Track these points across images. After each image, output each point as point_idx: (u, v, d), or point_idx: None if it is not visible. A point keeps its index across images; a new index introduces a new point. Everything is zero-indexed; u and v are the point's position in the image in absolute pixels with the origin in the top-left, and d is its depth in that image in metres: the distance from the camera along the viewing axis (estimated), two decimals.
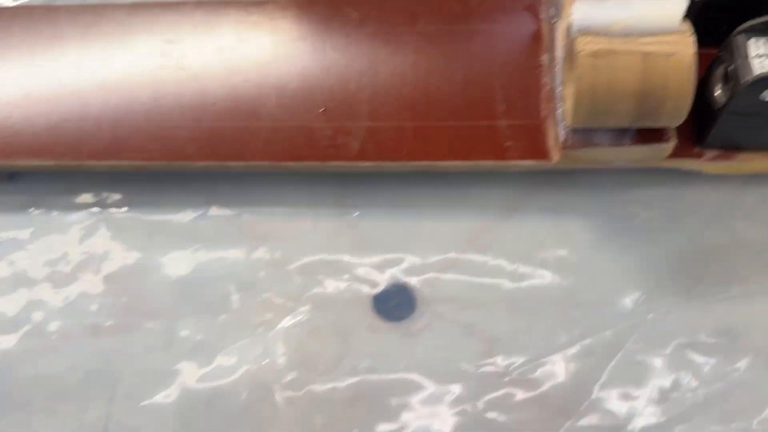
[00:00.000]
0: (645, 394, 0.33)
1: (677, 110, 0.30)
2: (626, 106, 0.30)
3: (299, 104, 0.36)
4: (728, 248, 0.35)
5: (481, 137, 0.35)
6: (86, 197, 0.37)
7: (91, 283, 0.36)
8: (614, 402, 0.33)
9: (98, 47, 0.38)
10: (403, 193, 0.37)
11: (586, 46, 0.29)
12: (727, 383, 0.33)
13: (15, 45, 0.39)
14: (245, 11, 0.38)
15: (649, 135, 0.32)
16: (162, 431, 0.33)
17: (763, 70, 0.30)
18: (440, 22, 0.37)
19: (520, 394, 0.33)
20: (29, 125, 0.37)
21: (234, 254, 0.36)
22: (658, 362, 0.33)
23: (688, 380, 0.33)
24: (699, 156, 0.34)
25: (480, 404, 0.33)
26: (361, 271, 0.35)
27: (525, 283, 0.35)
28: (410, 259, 0.36)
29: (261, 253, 0.36)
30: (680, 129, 0.33)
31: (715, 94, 0.32)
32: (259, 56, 0.37)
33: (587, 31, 0.30)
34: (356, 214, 0.37)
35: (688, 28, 0.29)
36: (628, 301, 0.34)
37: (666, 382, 0.33)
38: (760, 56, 0.30)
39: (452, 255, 0.35)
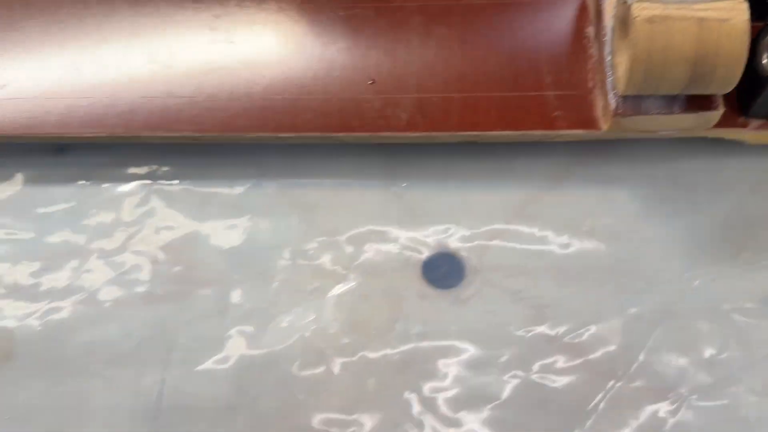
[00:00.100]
0: (692, 358, 0.33)
1: (729, 77, 0.31)
2: (680, 72, 0.31)
3: (348, 77, 0.37)
4: None
5: (530, 107, 0.35)
6: (136, 169, 0.38)
7: (143, 253, 0.37)
8: (662, 366, 0.33)
9: (149, 20, 0.39)
10: (449, 165, 0.37)
11: (642, 12, 0.30)
12: None
13: (64, 18, 0.39)
14: None
15: (698, 103, 0.33)
16: (217, 396, 0.34)
17: None
18: None
19: (569, 359, 0.34)
20: (82, 97, 0.37)
21: (284, 224, 0.37)
22: (704, 327, 0.34)
23: (734, 345, 0.34)
24: (743, 126, 0.35)
25: (530, 368, 0.34)
26: (409, 241, 0.36)
27: (572, 251, 0.35)
28: (458, 229, 0.36)
29: (311, 223, 0.37)
30: (726, 98, 0.33)
31: (763, 62, 0.33)
32: (307, 30, 0.38)
33: None
34: (403, 185, 0.37)
35: None
36: (673, 268, 0.35)
37: (713, 346, 0.34)
38: None
39: (499, 224, 0.36)
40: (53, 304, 0.36)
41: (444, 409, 0.33)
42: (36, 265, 0.36)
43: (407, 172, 0.37)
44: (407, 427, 0.33)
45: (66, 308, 0.36)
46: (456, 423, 0.33)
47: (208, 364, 0.34)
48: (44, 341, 0.35)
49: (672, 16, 0.30)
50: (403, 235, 0.36)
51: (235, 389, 0.34)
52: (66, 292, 0.36)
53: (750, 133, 0.35)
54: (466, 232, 0.36)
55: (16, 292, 0.36)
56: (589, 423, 0.32)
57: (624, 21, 0.31)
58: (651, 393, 0.33)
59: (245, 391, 0.34)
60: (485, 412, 0.33)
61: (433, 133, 0.36)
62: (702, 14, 0.30)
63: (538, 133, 0.35)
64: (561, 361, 0.34)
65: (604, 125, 0.34)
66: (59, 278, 0.36)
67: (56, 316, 0.36)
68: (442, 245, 0.36)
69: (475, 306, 0.35)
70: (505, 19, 0.37)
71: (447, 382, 0.33)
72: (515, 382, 0.33)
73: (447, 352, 0.34)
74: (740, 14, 0.29)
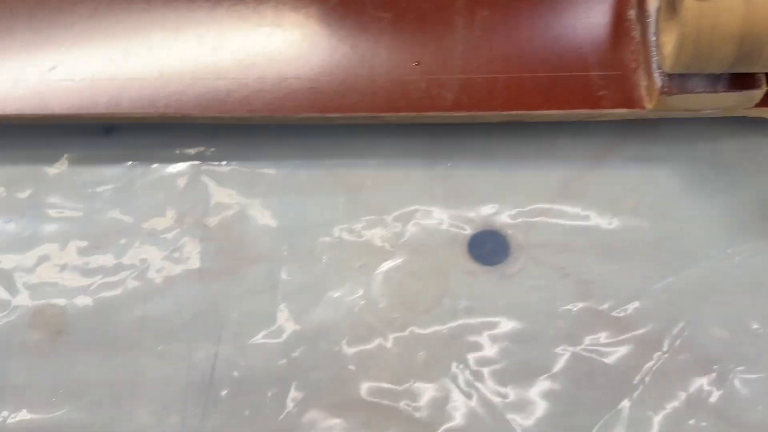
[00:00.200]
0: (736, 331, 0.34)
1: None
2: (727, 51, 0.31)
3: (394, 58, 0.38)
4: None
5: (574, 87, 0.36)
6: (185, 150, 0.39)
7: (193, 232, 0.37)
8: (706, 339, 0.34)
9: (197, 4, 0.39)
10: (492, 145, 0.38)
11: None
12: None
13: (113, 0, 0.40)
14: None
15: (741, 82, 0.34)
16: (269, 369, 0.34)
17: None
18: None
19: (615, 333, 0.34)
20: (132, 78, 0.38)
21: (331, 203, 0.37)
22: (747, 301, 0.35)
23: None
24: None
25: (577, 342, 0.34)
26: (454, 219, 0.37)
27: (616, 228, 0.36)
28: (502, 208, 0.37)
29: (357, 202, 0.37)
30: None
31: None
32: (352, 12, 0.39)
33: None
34: (448, 165, 0.38)
35: None
36: (715, 244, 0.36)
37: (756, 319, 0.34)
38: None
39: (543, 203, 0.37)
40: (105, 281, 0.36)
41: (492, 381, 0.34)
42: (86, 243, 0.37)
43: (451, 151, 0.38)
44: (456, 397, 0.33)
45: (117, 285, 0.36)
46: (504, 394, 0.33)
47: (260, 339, 0.35)
48: (96, 317, 0.36)
49: None
50: (449, 213, 0.37)
51: (286, 362, 0.34)
52: (117, 269, 0.37)
53: None
54: (511, 210, 0.37)
55: (66, 269, 0.37)
56: (636, 395, 0.33)
57: (672, 1, 0.32)
58: (697, 365, 0.34)
59: (297, 364, 0.34)
60: (534, 385, 0.33)
61: (478, 113, 0.36)
62: None
63: (582, 113, 0.36)
64: (607, 335, 0.34)
65: (649, 104, 0.35)
66: (110, 256, 0.37)
67: (108, 293, 0.36)
68: (487, 223, 0.37)
69: (521, 282, 0.35)
70: (547, 1, 0.38)
71: (495, 356, 0.34)
72: (563, 355, 0.34)
73: (494, 326, 0.35)
74: None
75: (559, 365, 0.34)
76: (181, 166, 0.38)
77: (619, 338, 0.34)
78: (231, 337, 0.35)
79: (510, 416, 0.33)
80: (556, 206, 0.36)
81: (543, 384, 0.33)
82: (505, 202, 0.37)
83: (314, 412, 0.34)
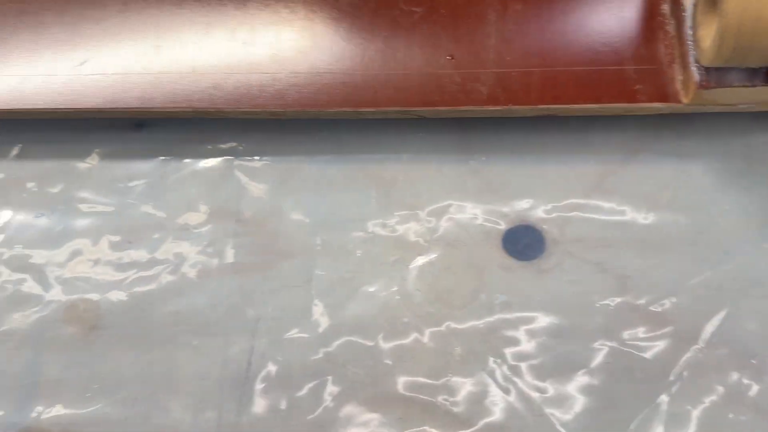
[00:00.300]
0: None
1: None
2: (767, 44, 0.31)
3: (427, 53, 0.37)
4: None
5: (609, 81, 0.36)
6: (217, 145, 0.39)
7: (226, 227, 0.37)
8: (743, 332, 0.34)
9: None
10: (524, 139, 0.38)
11: None
12: None
13: None
14: None
15: None
16: (305, 363, 0.34)
17: None
18: None
19: (653, 327, 0.34)
20: (164, 73, 0.38)
21: (364, 198, 0.37)
22: None
23: None
24: None
25: (615, 337, 0.34)
26: (488, 214, 0.37)
27: (652, 223, 0.36)
28: (537, 203, 0.37)
29: (390, 197, 0.37)
30: None
31: None
32: (385, 7, 0.39)
33: None
34: (480, 159, 0.38)
35: None
36: (751, 238, 0.35)
37: None
38: None
39: (578, 197, 0.37)
40: (138, 276, 0.36)
41: (530, 376, 0.33)
42: (120, 238, 0.37)
43: (483, 146, 0.38)
44: (494, 392, 0.33)
45: (152, 279, 0.36)
46: (543, 389, 0.33)
47: (296, 333, 0.35)
48: (130, 312, 0.36)
49: None
50: (482, 208, 0.37)
51: (322, 357, 0.34)
52: (151, 263, 0.36)
53: None
54: (546, 205, 0.36)
55: (100, 264, 0.37)
56: (675, 389, 0.33)
57: None
58: (734, 359, 0.33)
59: (333, 358, 0.34)
60: (572, 380, 0.33)
61: (514, 107, 0.36)
62: None
63: (618, 107, 0.36)
64: (645, 330, 0.34)
65: (685, 99, 0.35)
66: (143, 250, 0.37)
67: (142, 288, 0.36)
68: (522, 218, 0.36)
69: (557, 277, 0.35)
70: None
71: (533, 351, 0.34)
72: (601, 350, 0.34)
73: (531, 321, 0.34)
74: None
75: (597, 360, 0.34)
76: (213, 162, 0.38)
77: (656, 333, 0.34)
78: (266, 331, 0.35)
79: (549, 411, 0.33)
80: (591, 201, 0.36)
81: (581, 379, 0.33)
82: (540, 197, 0.37)
83: (351, 407, 0.34)
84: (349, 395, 0.34)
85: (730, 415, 0.33)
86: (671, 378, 0.33)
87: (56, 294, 0.36)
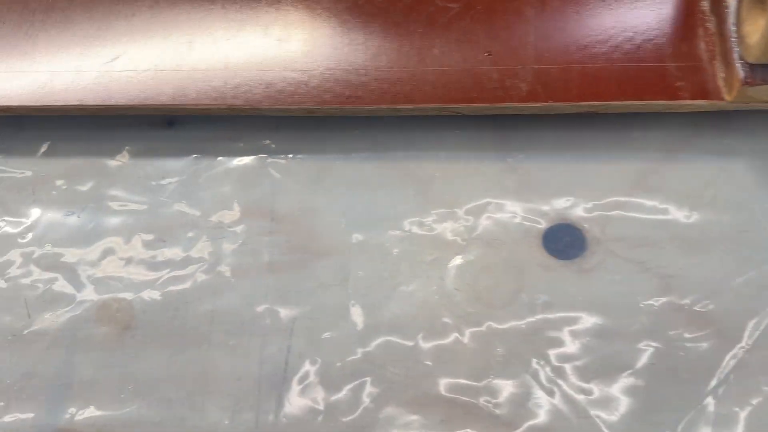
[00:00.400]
0: None
1: None
2: None
3: (464, 48, 0.37)
4: None
5: (650, 78, 0.35)
6: (250, 143, 0.38)
7: (260, 225, 0.36)
8: None
9: None
10: (562, 136, 0.37)
11: None
12: None
13: None
14: None
15: None
16: (344, 365, 0.34)
17: None
18: None
19: (698, 328, 0.33)
20: (197, 70, 0.37)
21: (400, 196, 0.37)
22: None
23: None
24: None
25: (660, 338, 0.33)
26: (528, 212, 0.36)
27: (695, 222, 0.35)
28: (577, 201, 0.36)
29: (427, 195, 0.37)
30: None
31: None
32: (421, 3, 0.38)
33: None
34: (518, 157, 0.37)
35: None
36: None
37: None
38: None
39: (619, 195, 0.36)
40: (172, 275, 0.36)
41: (576, 377, 0.33)
42: (153, 237, 0.36)
43: (520, 143, 0.37)
44: (538, 394, 0.33)
45: (186, 278, 0.36)
46: (588, 391, 0.33)
47: (333, 333, 0.34)
48: (164, 311, 0.35)
49: None
50: (522, 206, 0.36)
51: (361, 357, 0.34)
52: (185, 262, 0.36)
53: None
54: (587, 203, 0.36)
55: (133, 263, 0.36)
56: (721, 391, 0.32)
57: None
58: None
59: (371, 358, 0.34)
60: (617, 381, 0.33)
61: (554, 104, 0.36)
62: None
63: (660, 104, 0.35)
64: (690, 330, 0.33)
65: (728, 96, 0.34)
66: (177, 249, 0.36)
67: (176, 287, 0.36)
68: (562, 216, 0.36)
69: (600, 277, 0.35)
70: None
71: (577, 352, 0.33)
72: (646, 351, 0.33)
73: (574, 322, 0.34)
74: None
75: (642, 361, 0.33)
76: (246, 159, 0.38)
77: (701, 333, 0.33)
78: (303, 331, 0.34)
79: (594, 413, 0.32)
80: (633, 199, 0.36)
81: (626, 380, 0.33)
82: (580, 195, 0.36)
83: (391, 408, 0.33)
84: (389, 396, 0.33)
85: None
86: (717, 379, 0.33)
87: (88, 293, 0.36)
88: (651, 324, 0.34)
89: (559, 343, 0.34)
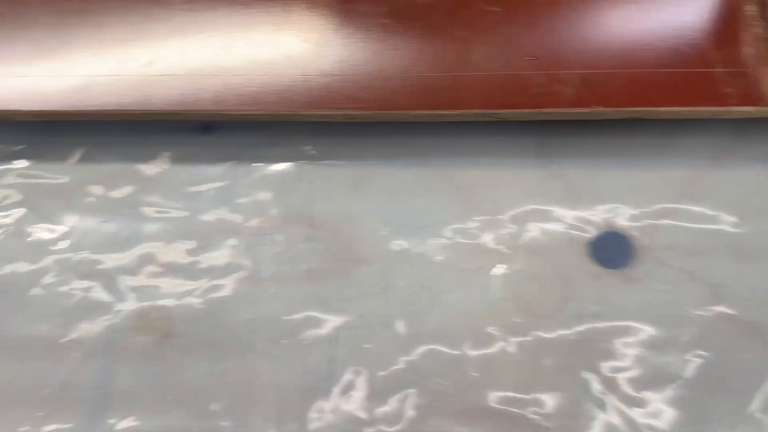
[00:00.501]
0: None
1: None
2: None
3: (507, 53, 0.36)
4: None
5: (698, 83, 0.35)
6: (287, 149, 0.37)
7: (300, 232, 0.36)
8: None
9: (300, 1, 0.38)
10: (606, 142, 0.37)
11: None
12: None
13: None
14: None
15: None
16: (389, 374, 0.33)
17: None
18: None
19: (749, 338, 0.33)
20: (236, 75, 0.37)
21: (442, 203, 0.36)
22: None
23: None
24: None
25: (711, 348, 0.33)
26: (574, 220, 0.35)
27: (743, 230, 0.35)
28: (623, 208, 0.35)
29: (469, 202, 0.36)
30: None
31: None
32: (462, 7, 0.38)
33: None
34: (561, 163, 0.37)
35: None
36: None
37: None
38: None
39: (667, 203, 0.35)
40: (213, 282, 0.35)
41: (626, 388, 0.32)
42: (192, 244, 0.36)
43: (563, 149, 0.37)
44: (588, 406, 0.32)
45: (226, 286, 0.35)
46: (640, 403, 0.32)
47: (376, 342, 0.34)
48: (205, 319, 0.35)
49: None
50: (567, 214, 0.36)
51: (405, 367, 0.33)
52: (226, 270, 0.35)
53: None
54: (634, 211, 0.35)
55: (173, 270, 0.36)
56: None
57: None
58: None
59: (416, 368, 0.33)
60: (668, 392, 0.32)
61: (602, 109, 0.35)
62: None
63: (708, 110, 0.35)
64: (741, 340, 0.33)
65: None
66: (217, 256, 0.36)
67: (217, 294, 0.35)
68: (609, 224, 0.35)
69: (649, 286, 0.34)
70: None
71: (627, 362, 0.33)
72: (697, 361, 0.33)
73: (624, 332, 0.33)
74: None
75: (694, 372, 0.32)
76: (284, 165, 0.37)
77: (752, 343, 0.33)
78: (345, 340, 0.34)
79: (644, 422, 0.32)
80: (681, 207, 0.35)
81: (677, 391, 0.32)
82: (626, 203, 0.36)
83: (438, 419, 0.32)
84: (435, 407, 0.33)
85: None
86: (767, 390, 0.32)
87: (127, 302, 0.35)
88: (702, 334, 0.33)
89: (608, 353, 0.33)
